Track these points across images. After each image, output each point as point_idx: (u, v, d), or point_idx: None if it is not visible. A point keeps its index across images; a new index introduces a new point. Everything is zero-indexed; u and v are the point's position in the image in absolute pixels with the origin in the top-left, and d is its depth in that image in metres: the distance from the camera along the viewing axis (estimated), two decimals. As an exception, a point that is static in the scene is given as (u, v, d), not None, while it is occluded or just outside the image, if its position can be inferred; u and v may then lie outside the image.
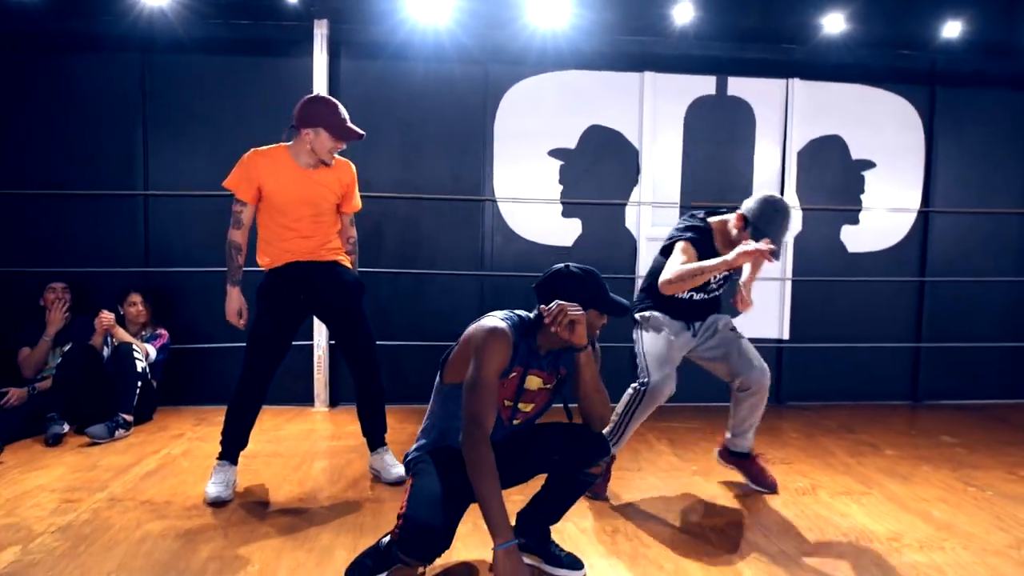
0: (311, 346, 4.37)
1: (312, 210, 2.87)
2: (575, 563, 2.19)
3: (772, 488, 2.97)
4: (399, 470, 2.99)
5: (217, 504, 2.71)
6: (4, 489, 2.84)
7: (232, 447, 2.87)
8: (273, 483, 3.00)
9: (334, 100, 2.85)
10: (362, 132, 2.86)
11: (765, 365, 2.85)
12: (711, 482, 3.11)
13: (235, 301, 2.92)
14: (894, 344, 4.91)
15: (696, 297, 2.86)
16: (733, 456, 3.06)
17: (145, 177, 4.35)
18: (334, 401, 4.48)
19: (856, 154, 4.80)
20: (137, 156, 4.34)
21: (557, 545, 2.23)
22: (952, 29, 4.42)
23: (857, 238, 4.85)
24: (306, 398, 4.43)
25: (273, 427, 3.94)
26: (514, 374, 2.05)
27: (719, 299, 2.99)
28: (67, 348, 3.78)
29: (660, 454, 3.56)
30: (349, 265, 3.04)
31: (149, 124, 4.34)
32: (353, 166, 3.04)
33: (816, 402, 4.82)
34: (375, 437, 3.10)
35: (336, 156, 2.93)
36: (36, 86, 4.28)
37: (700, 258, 2.70)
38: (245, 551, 2.29)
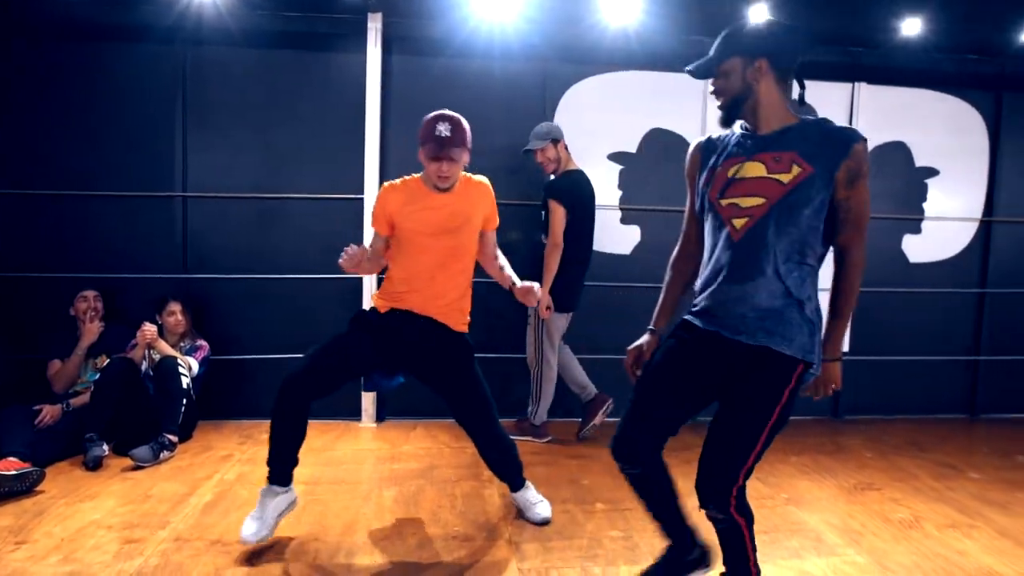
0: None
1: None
2: None
3: None
4: (543, 510, 2.78)
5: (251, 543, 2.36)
6: (55, 526, 2.60)
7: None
8: (346, 517, 2.78)
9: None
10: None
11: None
12: (808, 511, 2.94)
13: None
14: (952, 357, 4.77)
15: None
16: None
17: (184, 177, 4.08)
18: (380, 416, 4.25)
19: (920, 161, 4.63)
20: (175, 154, 4.06)
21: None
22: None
23: (918, 248, 4.70)
24: (353, 412, 4.20)
25: (324, 446, 3.71)
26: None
27: None
28: (106, 363, 3.52)
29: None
30: None
31: (189, 121, 4.06)
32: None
33: (873, 415, 4.68)
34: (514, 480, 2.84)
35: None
36: (67, 77, 3.98)
37: None
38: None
